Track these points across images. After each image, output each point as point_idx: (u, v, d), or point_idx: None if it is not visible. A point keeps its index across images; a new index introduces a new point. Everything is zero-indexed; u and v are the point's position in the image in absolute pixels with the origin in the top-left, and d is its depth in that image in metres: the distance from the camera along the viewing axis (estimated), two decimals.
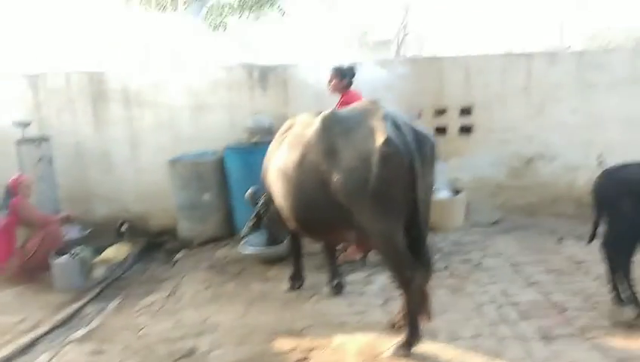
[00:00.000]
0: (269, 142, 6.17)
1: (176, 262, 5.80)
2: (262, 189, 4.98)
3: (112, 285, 5.33)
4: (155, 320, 4.18)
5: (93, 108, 6.71)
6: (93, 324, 4.19)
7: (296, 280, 4.61)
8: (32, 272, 5.10)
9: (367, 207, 3.30)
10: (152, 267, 5.84)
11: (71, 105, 6.70)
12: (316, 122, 3.64)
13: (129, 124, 6.73)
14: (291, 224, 3.99)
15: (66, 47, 6.38)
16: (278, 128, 6.40)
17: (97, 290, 5.10)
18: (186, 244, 6.26)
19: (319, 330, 3.81)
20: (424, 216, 3.37)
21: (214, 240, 6.20)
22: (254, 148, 6.18)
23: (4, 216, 5.04)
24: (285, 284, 4.64)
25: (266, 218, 4.92)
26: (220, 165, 6.33)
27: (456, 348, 3.45)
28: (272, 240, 5.22)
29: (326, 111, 3.68)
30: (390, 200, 3.25)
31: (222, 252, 5.85)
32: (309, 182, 3.55)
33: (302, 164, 3.60)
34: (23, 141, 6.15)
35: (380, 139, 3.21)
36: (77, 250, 5.10)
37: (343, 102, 4.96)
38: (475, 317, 3.89)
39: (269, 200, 4.72)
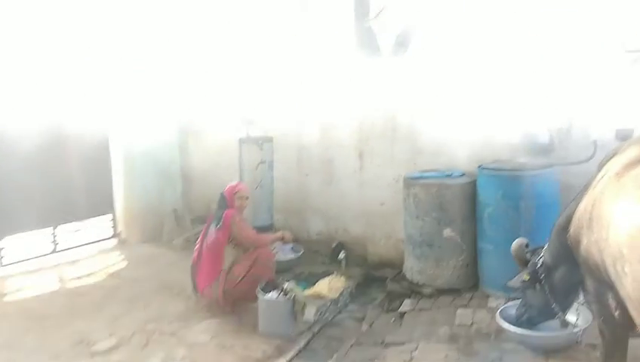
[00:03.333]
0: (542, 166, 4.51)
1: (403, 315, 4.41)
2: (546, 244, 3.32)
3: (323, 333, 4.22)
4: None
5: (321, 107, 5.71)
6: None
7: None
8: (235, 302, 4.21)
9: None
10: (370, 314, 4.57)
11: (297, 103, 5.81)
12: None
13: (358, 127, 5.56)
14: None
15: None
16: (560, 145, 4.65)
17: (305, 341, 4.00)
18: (414, 289, 4.83)
19: None
20: None
21: (451, 292, 4.65)
22: (522, 172, 4.44)
23: (216, 228, 4.23)
24: None
25: (546, 286, 3.29)
26: (470, 191, 4.74)
27: None
28: (529, 319, 3.52)
29: None
30: None
31: (465, 314, 4.26)
32: None
33: None
34: (245, 140, 5.44)
35: None
36: (289, 285, 4.04)
37: None
38: None
39: (556, 266, 3.20)
